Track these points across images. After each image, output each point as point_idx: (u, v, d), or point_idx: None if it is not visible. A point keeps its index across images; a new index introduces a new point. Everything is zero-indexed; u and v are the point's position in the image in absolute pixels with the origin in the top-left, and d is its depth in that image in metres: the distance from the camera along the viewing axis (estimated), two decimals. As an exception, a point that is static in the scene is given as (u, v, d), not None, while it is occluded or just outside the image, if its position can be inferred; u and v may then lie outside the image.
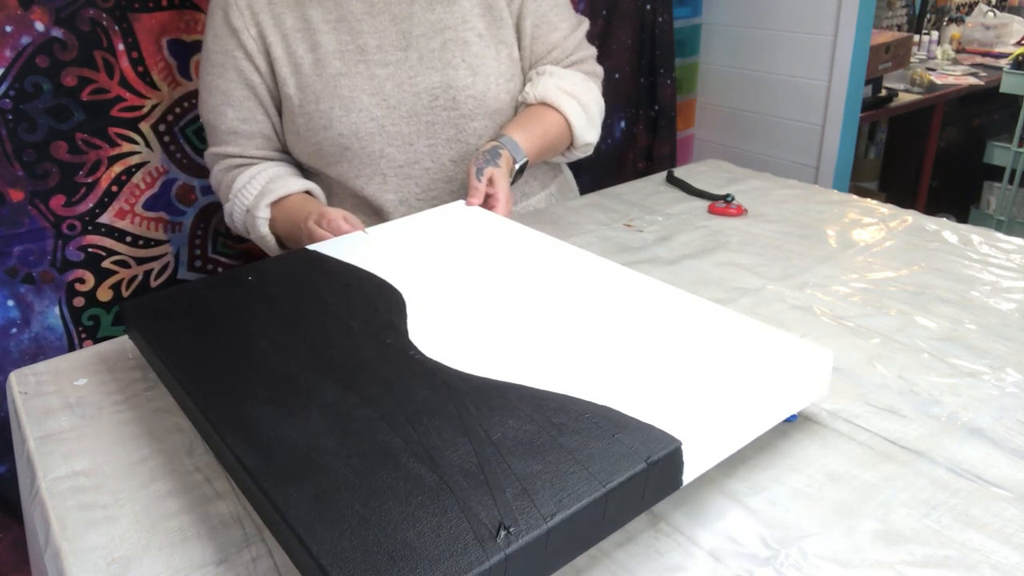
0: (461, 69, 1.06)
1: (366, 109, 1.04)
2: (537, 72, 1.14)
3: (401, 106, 1.05)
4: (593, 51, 1.22)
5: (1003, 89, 2.71)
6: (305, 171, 1.16)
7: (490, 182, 0.98)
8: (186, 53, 1.28)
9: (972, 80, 2.88)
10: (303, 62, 1.04)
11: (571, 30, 1.17)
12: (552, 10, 1.15)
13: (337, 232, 0.93)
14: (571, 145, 1.17)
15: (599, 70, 1.22)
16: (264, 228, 1.06)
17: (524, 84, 1.16)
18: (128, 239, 1.29)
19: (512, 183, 1.05)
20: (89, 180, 1.23)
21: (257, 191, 1.07)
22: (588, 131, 1.15)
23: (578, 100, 1.13)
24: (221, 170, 1.11)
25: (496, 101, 1.09)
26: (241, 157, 1.10)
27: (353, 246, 0.88)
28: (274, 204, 1.06)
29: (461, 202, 1.00)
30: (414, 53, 1.05)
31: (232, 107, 1.07)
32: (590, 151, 1.20)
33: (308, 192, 1.08)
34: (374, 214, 1.11)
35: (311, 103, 1.04)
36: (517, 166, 1.04)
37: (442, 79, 1.06)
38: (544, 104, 1.11)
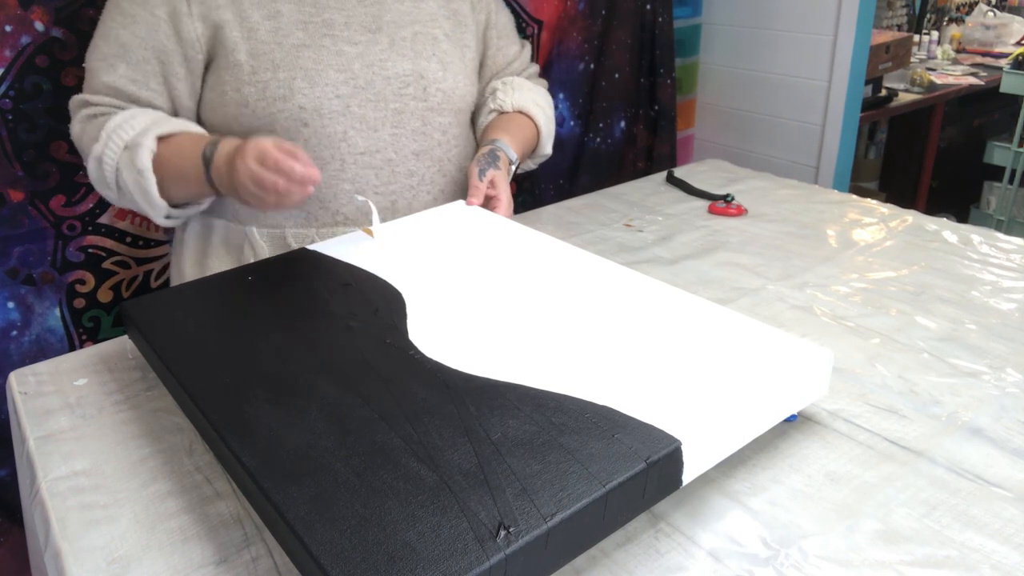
0: (432, 61, 1.06)
1: (332, 85, 0.99)
2: (503, 82, 1.17)
3: (370, 87, 1.01)
4: (538, 67, 1.28)
5: (1003, 89, 2.71)
6: None
7: (491, 184, 0.99)
8: (186, 53, 1.28)
9: (972, 80, 2.88)
10: (259, 28, 0.96)
11: (520, 47, 1.24)
12: (508, 24, 1.21)
13: (286, 169, 0.81)
14: (531, 155, 1.20)
15: (546, 83, 1.28)
16: (147, 159, 0.91)
17: (483, 91, 1.19)
18: (128, 239, 1.29)
19: None
20: (89, 180, 1.23)
21: (141, 128, 0.93)
22: (548, 143, 1.20)
23: (545, 113, 1.17)
24: (87, 116, 0.97)
25: (461, 100, 1.10)
26: (118, 109, 0.97)
27: (353, 246, 0.88)
28: (162, 139, 0.93)
29: (461, 202, 1.00)
30: (384, 37, 1.03)
31: (126, 63, 0.95)
32: (538, 164, 1.24)
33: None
34: (311, 207, 1.01)
35: (267, 71, 0.96)
36: (513, 168, 1.05)
37: (414, 67, 1.05)
38: (519, 113, 1.14)
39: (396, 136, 1.04)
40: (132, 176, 0.92)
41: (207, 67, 0.99)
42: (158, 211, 0.95)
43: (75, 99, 1.00)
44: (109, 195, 0.98)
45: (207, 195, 0.95)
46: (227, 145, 0.89)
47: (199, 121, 1.03)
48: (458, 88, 1.08)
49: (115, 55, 0.95)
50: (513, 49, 1.21)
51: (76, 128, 0.99)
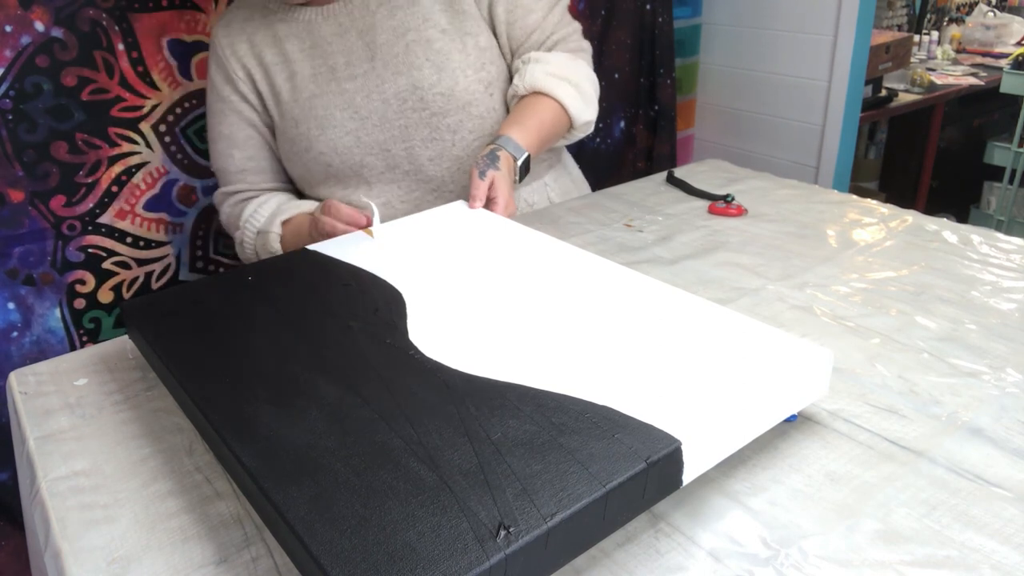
0: (425, 69, 1.07)
1: (340, 124, 1.07)
2: (522, 61, 1.13)
3: (372, 115, 1.07)
4: (577, 26, 1.19)
5: (1003, 89, 2.71)
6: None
7: (491, 185, 0.98)
8: (186, 53, 1.28)
9: (972, 80, 2.88)
10: (282, 91, 1.09)
11: (548, 10, 1.15)
12: None
13: (342, 218, 0.95)
14: (570, 127, 1.15)
15: (585, 45, 1.20)
16: (276, 244, 1.09)
17: (505, 70, 1.15)
18: (129, 240, 1.29)
19: (520, 180, 1.05)
20: (89, 180, 1.23)
21: (268, 213, 1.11)
22: (585, 110, 1.14)
23: (568, 81, 1.11)
24: (231, 205, 1.16)
25: (466, 93, 1.08)
26: (251, 191, 1.15)
27: (353, 246, 0.88)
28: (285, 223, 1.10)
29: (462, 202, 1.00)
30: (379, 62, 1.07)
31: (237, 148, 1.13)
32: (590, 129, 1.19)
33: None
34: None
35: (291, 128, 1.09)
36: (519, 163, 1.04)
37: (408, 81, 1.07)
38: (536, 93, 1.10)
39: (408, 149, 1.09)
40: (267, 256, 1.10)
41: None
42: None
43: (217, 194, 1.18)
44: None
45: None
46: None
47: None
48: (458, 84, 1.07)
49: (226, 147, 1.13)
50: (531, 19, 1.13)
51: (224, 217, 1.19)
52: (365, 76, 1.07)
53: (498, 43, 1.15)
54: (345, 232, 0.94)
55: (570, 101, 1.11)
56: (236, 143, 1.13)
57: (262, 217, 1.12)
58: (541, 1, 1.15)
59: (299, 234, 1.07)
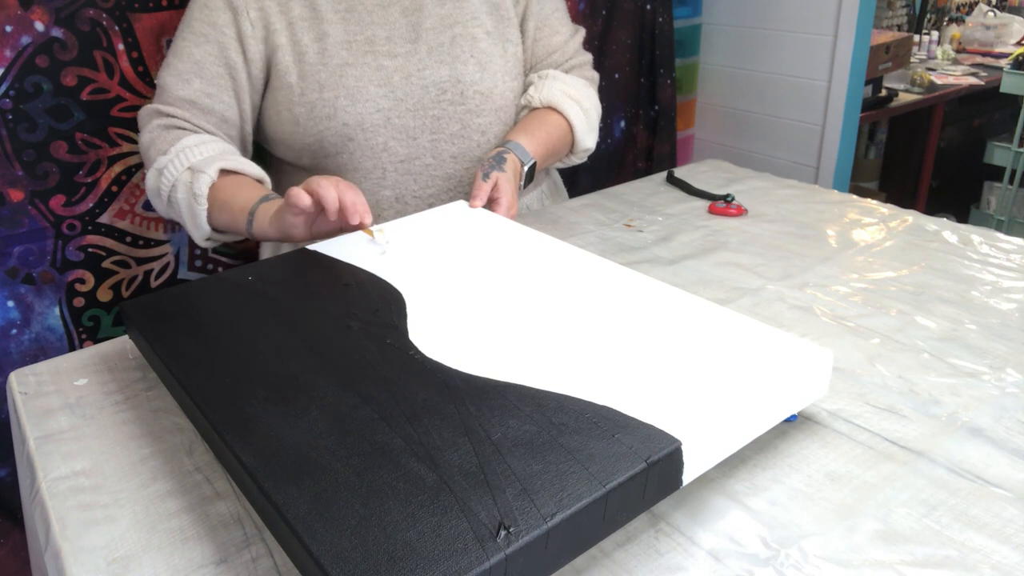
0: (470, 64, 1.07)
1: (372, 100, 1.03)
2: (539, 76, 1.15)
3: (408, 98, 1.04)
4: (589, 57, 1.24)
5: (1003, 89, 2.71)
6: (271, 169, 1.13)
7: (494, 186, 0.99)
8: (186, 53, 1.28)
9: (972, 80, 2.88)
10: (308, 51, 1.02)
11: (570, 36, 1.20)
12: (554, 14, 1.17)
13: (323, 194, 0.83)
14: (571, 150, 1.18)
15: (596, 76, 1.24)
16: (204, 188, 0.95)
17: (525, 84, 1.17)
18: (128, 239, 1.29)
19: (524, 186, 1.06)
20: (89, 180, 1.23)
21: (209, 154, 0.98)
22: (588, 136, 1.17)
23: (580, 105, 1.14)
24: (160, 126, 1.01)
25: (501, 98, 1.10)
26: (188, 124, 1.02)
27: (353, 246, 0.88)
28: (223, 173, 0.97)
29: (462, 202, 1.00)
30: (423, 46, 1.05)
31: (201, 79, 1.01)
32: (585, 157, 1.22)
33: (261, 181, 1.01)
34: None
35: (314, 92, 1.02)
36: (525, 168, 1.05)
37: (451, 73, 1.06)
38: (549, 108, 1.12)
39: (435, 141, 1.07)
40: (186, 197, 0.97)
41: (265, 85, 1.06)
42: (201, 234, 1.00)
43: (147, 109, 1.04)
44: (159, 205, 1.03)
45: (245, 236, 0.98)
46: (273, 205, 0.92)
47: (263, 135, 1.10)
48: (497, 87, 1.08)
49: (189, 71, 1.01)
50: (556, 39, 1.17)
51: (146, 137, 1.03)
52: (406, 57, 1.04)
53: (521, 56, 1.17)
54: (330, 197, 0.83)
55: (578, 123, 1.14)
56: (203, 74, 1.01)
57: (200, 154, 0.97)
58: (565, 26, 1.19)
59: (233, 200, 0.95)
